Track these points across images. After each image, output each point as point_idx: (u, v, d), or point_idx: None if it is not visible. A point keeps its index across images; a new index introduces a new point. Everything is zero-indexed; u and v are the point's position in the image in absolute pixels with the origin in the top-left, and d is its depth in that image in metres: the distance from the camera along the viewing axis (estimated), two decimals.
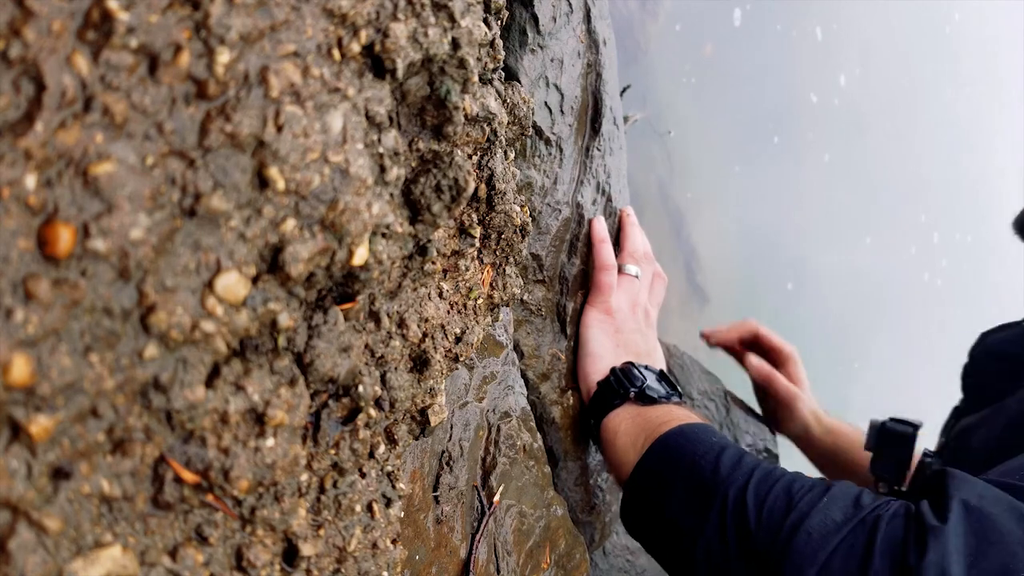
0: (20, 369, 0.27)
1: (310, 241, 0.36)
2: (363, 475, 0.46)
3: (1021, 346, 0.85)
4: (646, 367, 0.80)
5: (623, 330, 0.84)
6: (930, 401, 1.45)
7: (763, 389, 1.13)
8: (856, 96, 3.17)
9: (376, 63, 0.39)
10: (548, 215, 0.77)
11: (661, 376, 0.80)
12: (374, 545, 0.45)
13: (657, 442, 0.68)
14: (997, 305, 3.67)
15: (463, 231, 0.55)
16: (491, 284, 0.61)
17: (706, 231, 2.18)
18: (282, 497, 0.39)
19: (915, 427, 0.97)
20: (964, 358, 0.94)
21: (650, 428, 0.70)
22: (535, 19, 0.70)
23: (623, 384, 0.77)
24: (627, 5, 1.76)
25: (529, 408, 0.75)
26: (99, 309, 0.29)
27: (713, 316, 2.08)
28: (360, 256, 0.39)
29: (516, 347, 0.77)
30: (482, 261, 0.60)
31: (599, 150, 0.84)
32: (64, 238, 0.28)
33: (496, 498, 0.66)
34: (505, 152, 0.58)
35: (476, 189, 0.55)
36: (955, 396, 0.95)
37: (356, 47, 0.38)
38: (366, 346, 0.46)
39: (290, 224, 0.35)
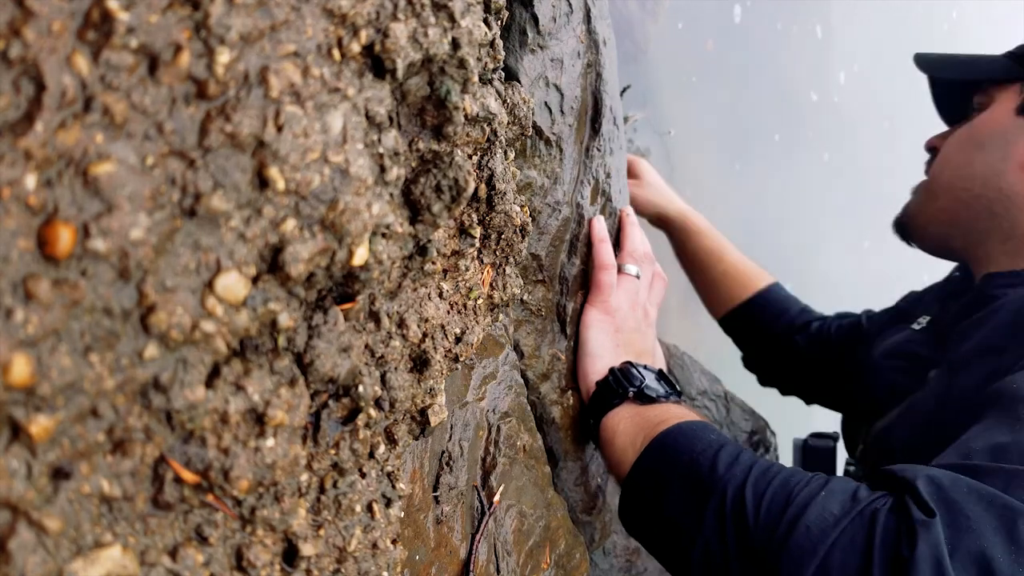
0: (20, 369, 0.27)
1: (310, 241, 0.36)
2: (363, 475, 0.46)
3: (918, 344, 0.87)
4: (645, 367, 0.80)
5: (623, 330, 0.84)
6: None
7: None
8: (856, 94, 3.17)
9: (376, 63, 0.39)
10: (548, 215, 0.77)
11: (660, 375, 0.80)
12: (374, 545, 0.45)
13: (655, 441, 0.68)
14: None
15: (463, 231, 0.55)
16: (491, 284, 0.61)
17: None
18: (282, 497, 0.39)
19: (835, 439, 1.05)
20: None
21: (648, 427, 0.70)
22: (535, 19, 0.70)
23: (622, 384, 0.77)
24: (627, 5, 1.75)
25: (529, 408, 0.75)
26: (99, 309, 0.29)
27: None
28: (360, 256, 0.39)
29: (516, 347, 0.77)
30: (482, 261, 0.60)
31: (599, 150, 0.84)
32: (64, 238, 0.28)
33: (496, 498, 0.66)
34: (505, 152, 0.58)
35: (476, 189, 0.55)
36: None
37: (356, 47, 0.38)
38: (366, 346, 0.46)
39: (290, 224, 0.35)
